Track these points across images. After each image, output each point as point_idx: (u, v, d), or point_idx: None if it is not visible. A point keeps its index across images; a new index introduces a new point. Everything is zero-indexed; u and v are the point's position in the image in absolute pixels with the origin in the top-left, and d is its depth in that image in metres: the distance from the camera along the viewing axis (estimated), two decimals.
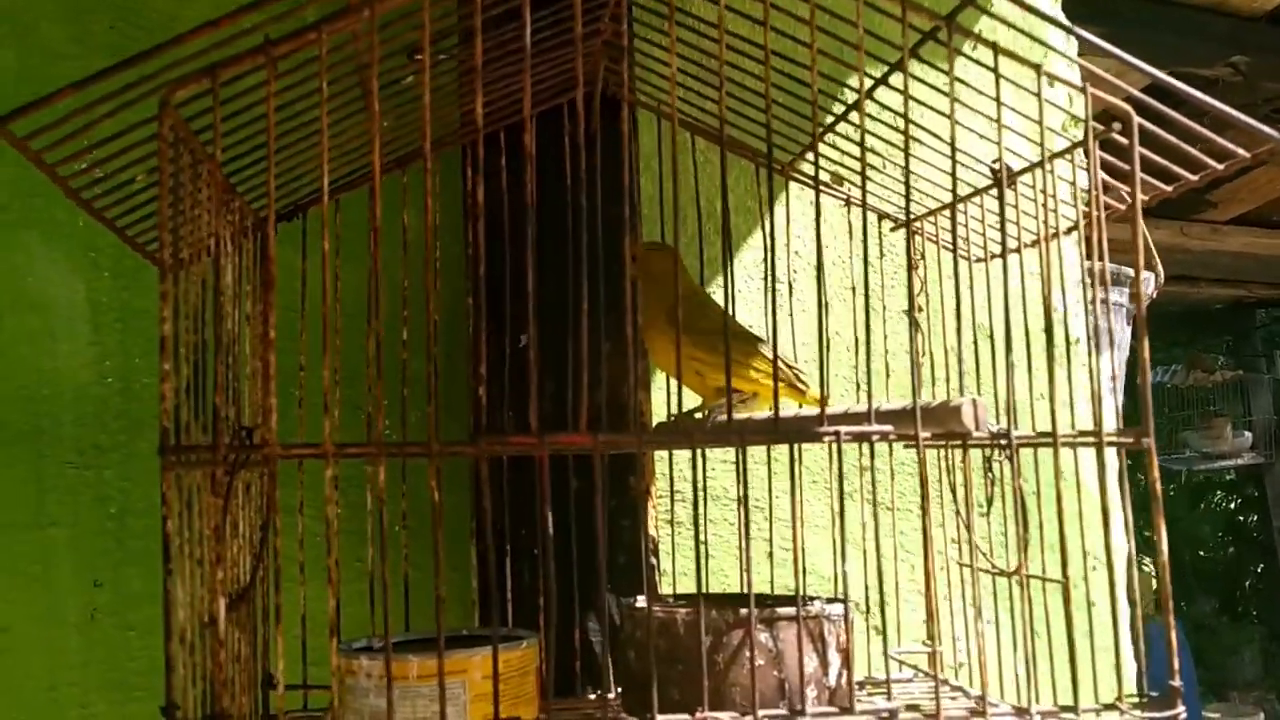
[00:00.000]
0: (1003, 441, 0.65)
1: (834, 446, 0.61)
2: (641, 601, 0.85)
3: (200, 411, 0.66)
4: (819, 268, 0.66)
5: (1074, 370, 1.19)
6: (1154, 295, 1.07)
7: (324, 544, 0.81)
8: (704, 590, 0.70)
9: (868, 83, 0.79)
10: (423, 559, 0.80)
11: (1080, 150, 0.68)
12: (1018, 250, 0.90)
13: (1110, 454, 0.66)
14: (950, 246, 0.92)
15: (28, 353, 0.99)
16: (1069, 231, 0.78)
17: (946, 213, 0.90)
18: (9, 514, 0.97)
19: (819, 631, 0.75)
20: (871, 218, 0.95)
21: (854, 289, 1.01)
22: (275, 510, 0.62)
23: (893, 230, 0.95)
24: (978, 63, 0.68)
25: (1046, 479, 0.98)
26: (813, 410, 0.77)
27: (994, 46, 0.64)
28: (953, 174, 0.68)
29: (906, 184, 0.69)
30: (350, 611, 0.75)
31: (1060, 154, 0.72)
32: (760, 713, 0.63)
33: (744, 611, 0.73)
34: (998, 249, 0.92)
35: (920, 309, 0.94)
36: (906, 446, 0.91)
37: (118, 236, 0.73)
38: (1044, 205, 0.76)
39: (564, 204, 0.86)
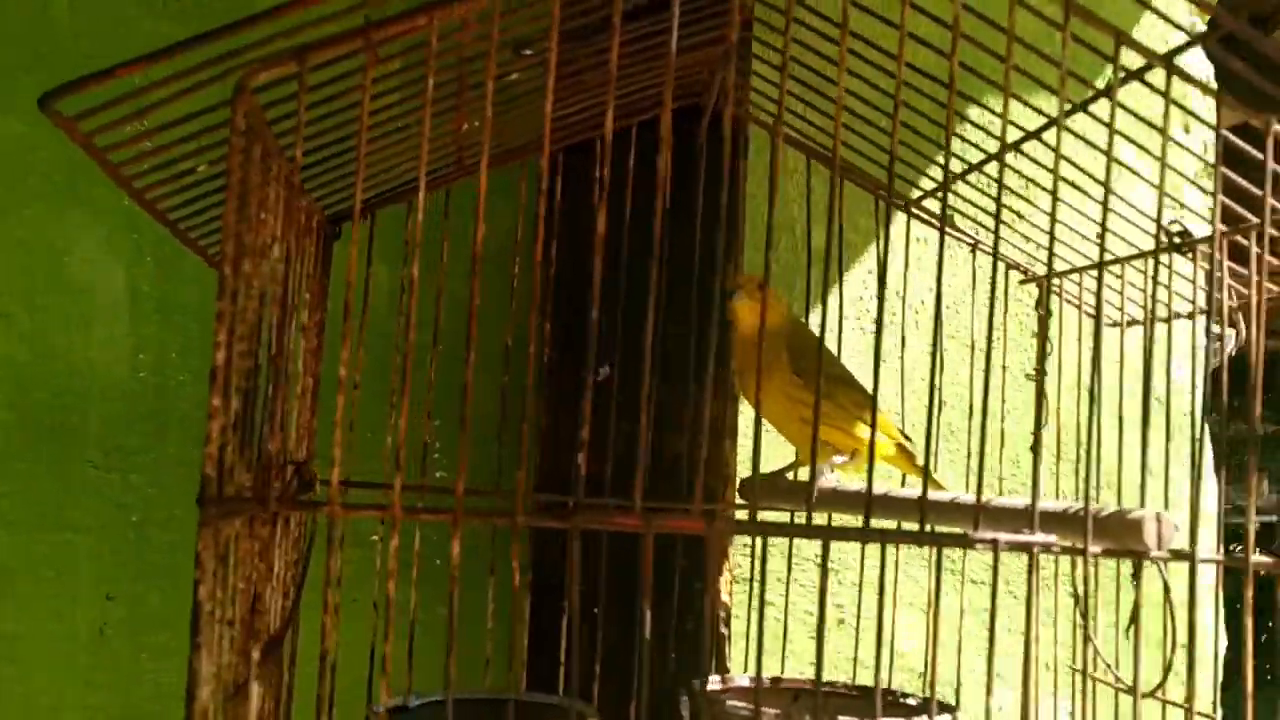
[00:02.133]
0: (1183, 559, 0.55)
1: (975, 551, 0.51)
2: (715, 682, 0.76)
3: (244, 445, 0.57)
4: (937, 316, 0.56)
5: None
6: (1233, 352, 0.98)
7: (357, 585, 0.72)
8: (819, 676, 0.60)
9: (1036, 119, 0.70)
10: (473, 613, 0.71)
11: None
12: (1167, 320, 0.81)
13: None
14: (1089, 308, 0.83)
15: (61, 340, 0.91)
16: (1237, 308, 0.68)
17: (1091, 272, 0.80)
18: (30, 513, 0.89)
19: None
20: (1001, 266, 0.85)
21: (973, 345, 0.91)
22: (334, 573, 0.53)
23: (1022, 284, 0.85)
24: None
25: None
26: (943, 494, 0.67)
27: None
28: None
29: (1051, 234, 0.59)
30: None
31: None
32: None
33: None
34: (1137, 315, 0.82)
35: (1045, 373, 0.84)
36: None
37: (174, 234, 0.64)
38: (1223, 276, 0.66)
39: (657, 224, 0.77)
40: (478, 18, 0.53)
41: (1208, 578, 0.93)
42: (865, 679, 0.88)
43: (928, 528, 0.52)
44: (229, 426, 0.51)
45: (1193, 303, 0.76)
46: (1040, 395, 0.79)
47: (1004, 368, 0.84)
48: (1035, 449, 0.66)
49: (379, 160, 0.74)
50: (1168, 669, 0.67)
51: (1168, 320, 0.80)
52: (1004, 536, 0.52)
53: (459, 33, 0.56)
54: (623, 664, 0.79)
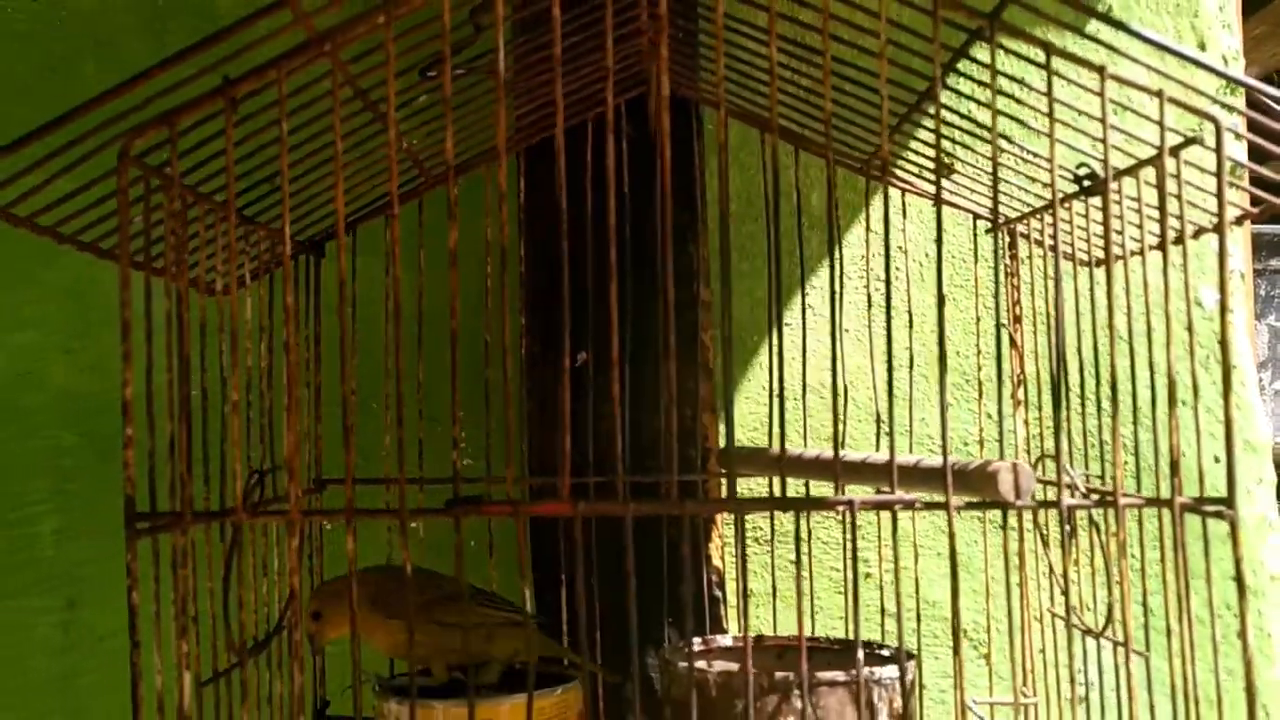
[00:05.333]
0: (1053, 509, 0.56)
1: (848, 516, 0.54)
2: (697, 645, 0.80)
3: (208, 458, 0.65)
4: (887, 275, 0.58)
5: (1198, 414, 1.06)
6: None
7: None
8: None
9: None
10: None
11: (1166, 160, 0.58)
12: (1123, 258, 0.80)
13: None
14: (1055, 250, 0.82)
15: (119, 366, 1.00)
16: (1154, 248, 0.67)
17: (1052, 214, 0.79)
18: (103, 525, 1.00)
19: (868, 698, 0.68)
20: (966, 219, 0.85)
21: (940, 301, 0.92)
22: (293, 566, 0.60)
23: (987, 233, 0.86)
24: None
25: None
26: (855, 455, 0.69)
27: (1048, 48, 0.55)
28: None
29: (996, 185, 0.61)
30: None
31: (1136, 166, 0.61)
32: None
33: (779, 675, 0.67)
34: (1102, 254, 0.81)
35: (1018, 319, 0.84)
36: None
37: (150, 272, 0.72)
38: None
39: (621, 211, 0.81)
40: (342, 58, 0.58)
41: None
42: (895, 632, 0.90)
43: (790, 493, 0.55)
44: (152, 452, 0.58)
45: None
46: (1010, 345, 0.80)
47: (977, 319, 0.84)
48: (943, 419, 0.67)
49: (338, 183, 0.79)
50: (1109, 609, 0.67)
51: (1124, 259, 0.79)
52: (860, 499, 0.55)
53: (325, 77, 0.61)
54: (619, 631, 0.84)
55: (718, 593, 0.87)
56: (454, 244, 0.55)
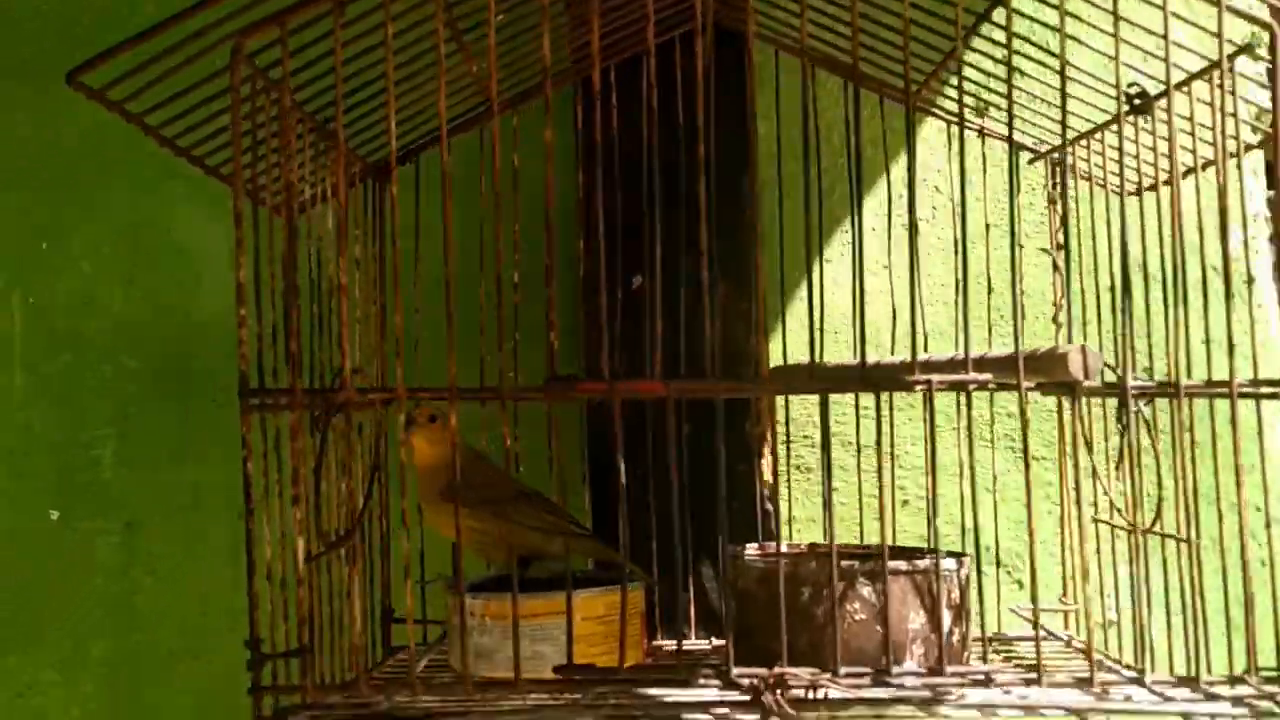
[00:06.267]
0: (1117, 393, 0.59)
1: (926, 395, 0.57)
2: (752, 550, 0.83)
3: (291, 359, 0.67)
4: (911, 201, 0.62)
5: (1237, 313, 1.10)
6: None
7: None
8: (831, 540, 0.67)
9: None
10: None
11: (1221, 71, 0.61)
12: (1170, 182, 0.83)
13: None
14: (1097, 179, 0.86)
15: (176, 297, 1.04)
16: (1205, 167, 0.71)
17: (1094, 142, 0.83)
18: (163, 448, 1.03)
19: (928, 586, 0.71)
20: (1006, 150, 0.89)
21: (988, 227, 0.95)
22: (381, 454, 0.63)
23: (1031, 163, 0.89)
24: None
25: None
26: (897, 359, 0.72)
27: None
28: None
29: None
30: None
31: (1192, 78, 0.65)
32: (843, 670, 0.60)
33: (846, 564, 0.70)
34: (1151, 180, 0.84)
35: (1060, 246, 0.87)
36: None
37: (217, 179, 0.75)
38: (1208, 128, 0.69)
39: (677, 142, 0.84)
40: None
41: None
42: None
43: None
44: (262, 334, 0.61)
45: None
46: (1054, 269, 0.83)
47: (1019, 246, 0.87)
48: (1015, 313, 0.70)
49: (411, 106, 0.82)
50: (1159, 505, 0.71)
51: (1171, 183, 0.82)
52: (938, 377, 0.58)
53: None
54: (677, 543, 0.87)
55: (769, 506, 0.90)
56: (550, 140, 0.58)
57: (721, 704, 0.58)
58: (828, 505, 0.62)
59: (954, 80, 0.84)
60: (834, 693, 0.58)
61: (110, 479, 1.03)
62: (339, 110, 0.59)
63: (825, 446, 0.60)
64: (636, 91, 0.86)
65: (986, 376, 0.58)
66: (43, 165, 1.04)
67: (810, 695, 0.56)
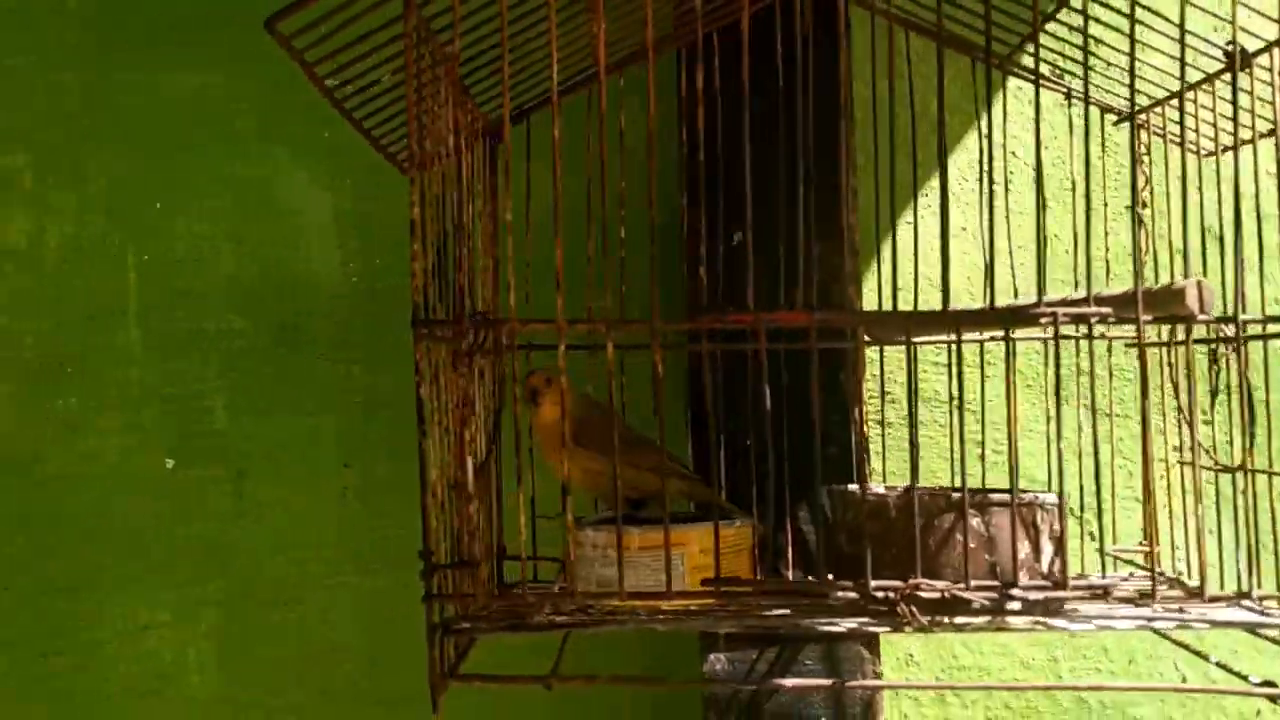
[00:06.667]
0: (1227, 329, 0.63)
1: (1051, 339, 0.61)
2: (854, 487, 0.87)
3: (442, 296, 0.72)
4: (1038, 166, 0.66)
5: None
6: None
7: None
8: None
9: None
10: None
11: None
12: (1252, 141, 0.87)
13: None
14: (1178, 140, 0.89)
15: (283, 255, 1.08)
16: None
17: (1175, 104, 0.87)
18: (273, 402, 1.07)
19: (1032, 518, 0.75)
20: (1094, 112, 0.93)
21: (1074, 187, 0.99)
22: (514, 381, 0.67)
23: (1115, 125, 0.93)
24: None
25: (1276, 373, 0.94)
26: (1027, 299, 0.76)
27: None
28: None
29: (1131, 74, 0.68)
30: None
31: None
32: (972, 581, 0.64)
33: (956, 495, 0.75)
34: (1230, 141, 0.88)
35: (1144, 205, 0.91)
36: (1128, 346, 0.89)
37: (364, 138, 0.79)
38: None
39: (776, 105, 0.87)
40: None
41: None
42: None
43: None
44: (427, 270, 0.65)
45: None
46: (1136, 222, 0.87)
47: (1105, 204, 0.91)
48: (1136, 255, 0.75)
49: (526, 68, 0.86)
50: (1248, 440, 0.75)
51: (1252, 141, 0.86)
52: (1062, 310, 0.62)
53: None
54: (776, 488, 0.92)
55: (862, 455, 0.95)
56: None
57: (858, 611, 0.62)
58: (913, 445, 0.66)
59: (1041, 43, 0.88)
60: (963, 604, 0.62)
61: (222, 429, 1.07)
62: (504, 44, 0.63)
63: (917, 394, 0.64)
64: (738, 55, 0.90)
65: (1107, 310, 0.62)
66: (154, 129, 1.08)
67: (942, 603, 0.60)
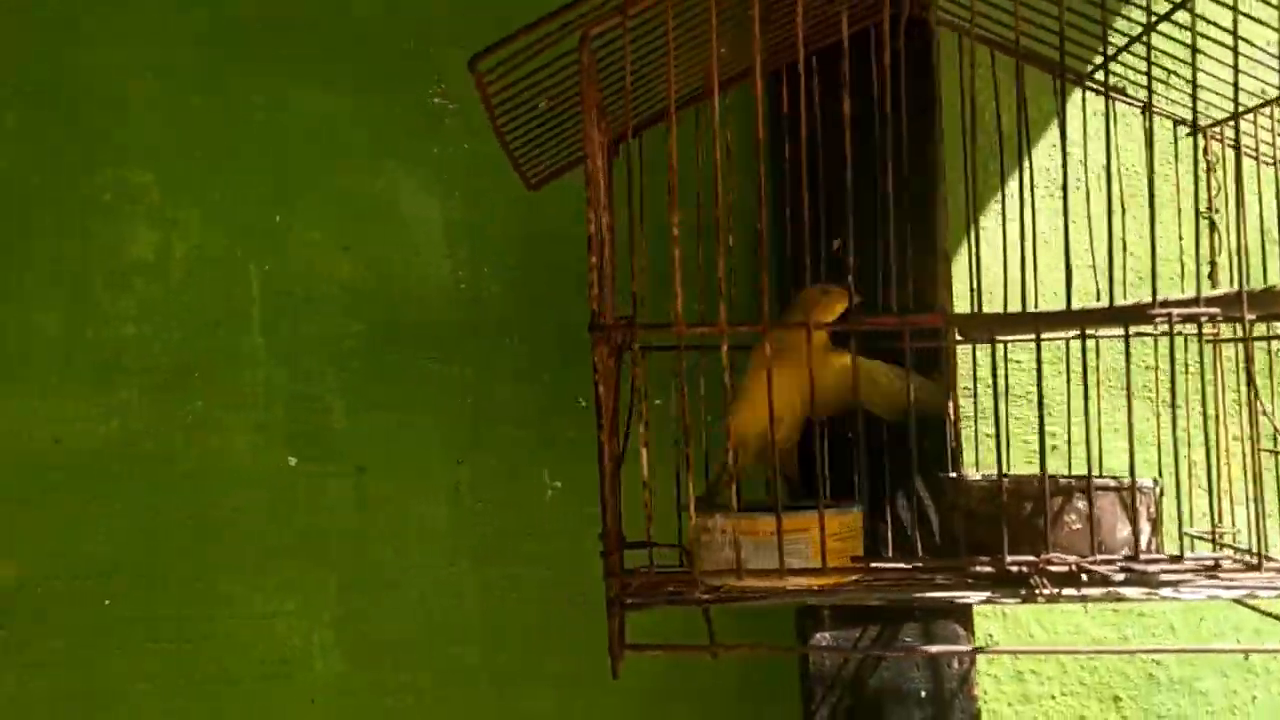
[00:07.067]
0: None
1: (1164, 335, 0.68)
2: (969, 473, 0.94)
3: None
4: (1109, 172, 0.73)
5: None
6: None
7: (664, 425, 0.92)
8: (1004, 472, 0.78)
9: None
10: None
11: None
12: None
13: None
14: (1249, 151, 0.96)
15: (396, 262, 1.15)
16: None
17: (1247, 116, 0.93)
18: (388, 400, 1.14)
19: (1131, 501, 0.82)
20: (1168, 124, 1.00)
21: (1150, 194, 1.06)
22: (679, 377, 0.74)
23: (1186, 136, 1.00)
24: None
25: None
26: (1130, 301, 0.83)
27: None
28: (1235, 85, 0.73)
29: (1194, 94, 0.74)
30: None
31: None
32: (1099, 556, 0.71)
33: (1063, 481, 0.81)
34: None
35: (1217, 210, 0.98)
36: (1206, 341, 0.96)
37: (511, 161, 0.86)
38: None
39: (872, 119, 0.94)
40: None
41: None
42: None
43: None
44: (600, 275, 0.72)
45: None
46: (1210, 230, 0.94)
47: (1179, 210, 0.98)
48: (1211, 275, 0.82)
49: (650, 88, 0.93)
50: None
51: None
52: (1176, 310, 0.69)
53: None
54: (875, 477, 0.99)
55: (955, 445, 1.01)
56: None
57: (992, 585, 0.69)
58: (998, 434, 0.73)
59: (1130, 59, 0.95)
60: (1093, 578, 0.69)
61: (340, 428, 1.14)
62: (670, 66, 0.70)
63: (1006, 390, 0.70)
64: (836, 76, 0.97)
65: (1216, 310, 0.69)
66: (274, 148, 1.15)
67: (1074, 577, 0.67)
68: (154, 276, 1.14)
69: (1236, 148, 0.89)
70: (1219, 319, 0.69)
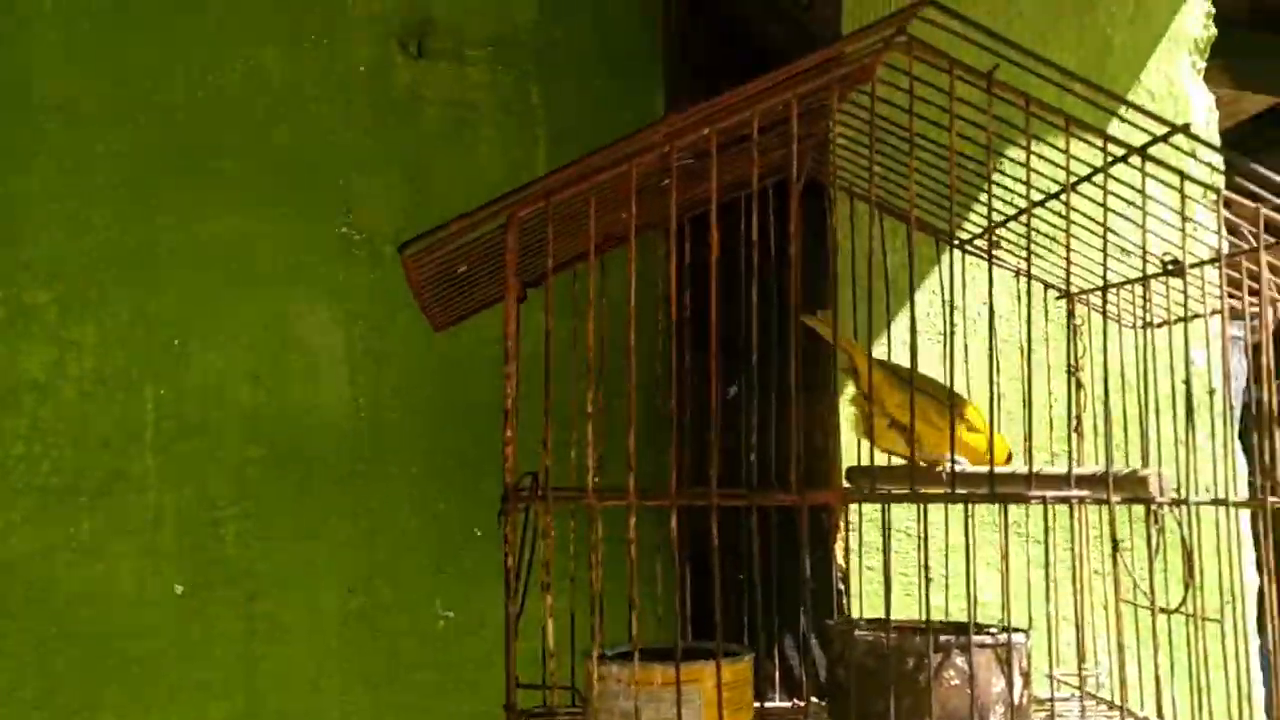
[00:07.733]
0: (1179, 511, 0.77)
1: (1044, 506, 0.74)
2: (842, 623, 0.98)
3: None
4: (991, 329, 0.79)
5: (1206, 417, 1.30)
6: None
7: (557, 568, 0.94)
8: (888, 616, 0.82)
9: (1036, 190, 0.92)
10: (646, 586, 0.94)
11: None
12: (1166, 324, 1.02)
13: None
14: (1111, 316, 1.04)
15: (297, 389, 1.16)
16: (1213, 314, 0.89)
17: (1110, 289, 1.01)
18: (282, 526, 1.14)
19: (1006, 656, 0.87)
20: (1038, 287, 1.07)
21: (1022, 349, 1.14)
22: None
23: (1057, 300, 1.07)
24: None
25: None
26: (1008, 469, 0.89)
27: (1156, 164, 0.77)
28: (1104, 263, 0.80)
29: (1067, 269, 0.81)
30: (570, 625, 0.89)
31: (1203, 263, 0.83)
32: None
33: (945, 638, 0.86)
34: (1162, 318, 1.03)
35: (1081, 369, 1.06)
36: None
37: (422, 305, 0.88)
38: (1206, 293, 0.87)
39: (768, 273, 0.99)
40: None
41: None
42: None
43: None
44: (511, 444, 0.74)
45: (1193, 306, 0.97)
46: (1077, 387, 1.01)
47: (1049, 365, 1.06)
48: (1077, 430, 0.88)
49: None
50: (1186, 588, 0.88)
51: (1182, 321, 1.01)
52: (1050, 493, 0.74)
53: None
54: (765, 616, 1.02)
55: (840, 586, 1.06)
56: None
57: None
58: (887, 583, 0.77)
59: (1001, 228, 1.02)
60: None
61: (232, 554, 1.13)
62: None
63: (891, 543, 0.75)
64: (735, 230, 1.02)
65: (1086, 493, 0.75)
66: (180, 270, 1.15)
67: None
68: (45, 396, 1.12)
69: (1104, 314, 0.96)
70: (1088, 501, 0.75)
